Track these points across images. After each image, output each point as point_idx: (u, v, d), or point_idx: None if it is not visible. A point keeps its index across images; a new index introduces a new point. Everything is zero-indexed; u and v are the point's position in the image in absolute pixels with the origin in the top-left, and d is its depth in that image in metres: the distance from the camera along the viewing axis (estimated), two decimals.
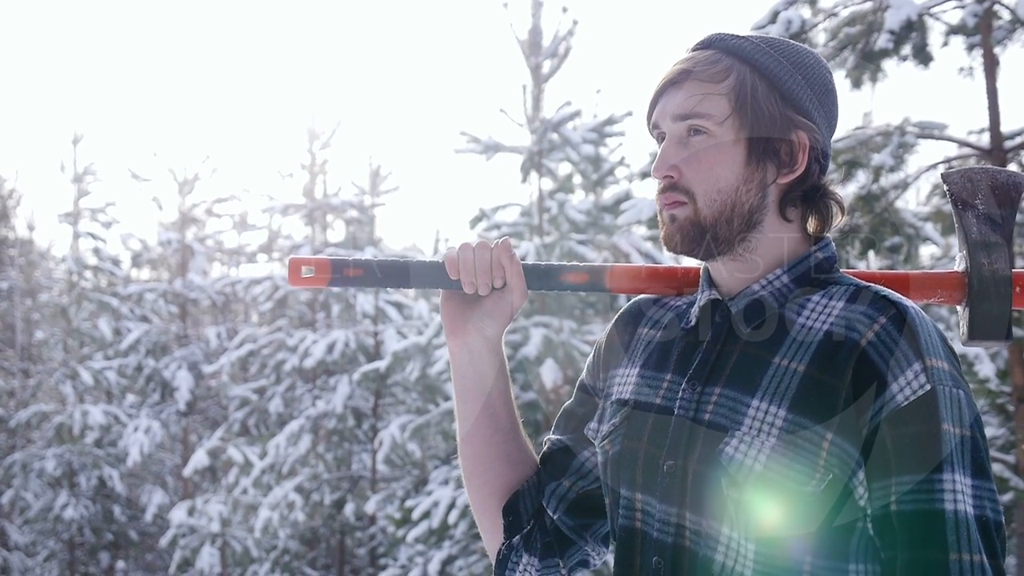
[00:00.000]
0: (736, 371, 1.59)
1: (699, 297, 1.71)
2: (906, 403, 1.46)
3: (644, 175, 8.20)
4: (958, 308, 1.75)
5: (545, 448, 1.94)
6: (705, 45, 1.66)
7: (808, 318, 1.58)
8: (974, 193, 1.71)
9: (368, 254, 13.72)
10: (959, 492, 1.44)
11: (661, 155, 1.63)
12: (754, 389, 1.55)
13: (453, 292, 1.84)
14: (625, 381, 1.77)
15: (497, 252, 1.77)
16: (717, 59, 1.62)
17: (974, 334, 1.70)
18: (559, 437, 1.93)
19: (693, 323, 1.71)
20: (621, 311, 1.89)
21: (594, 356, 1.91)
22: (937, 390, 1.46)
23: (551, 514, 1.89)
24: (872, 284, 1.60)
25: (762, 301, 1.63)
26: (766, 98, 1.60)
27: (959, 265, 1.74)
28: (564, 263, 1.83)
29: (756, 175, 1.60)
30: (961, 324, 1.73)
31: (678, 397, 1.64)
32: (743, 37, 1.65)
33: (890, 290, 1.58)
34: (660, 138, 1.67)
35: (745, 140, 1.60)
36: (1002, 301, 1.69)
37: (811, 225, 1.67)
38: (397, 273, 1.82)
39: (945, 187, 1.73)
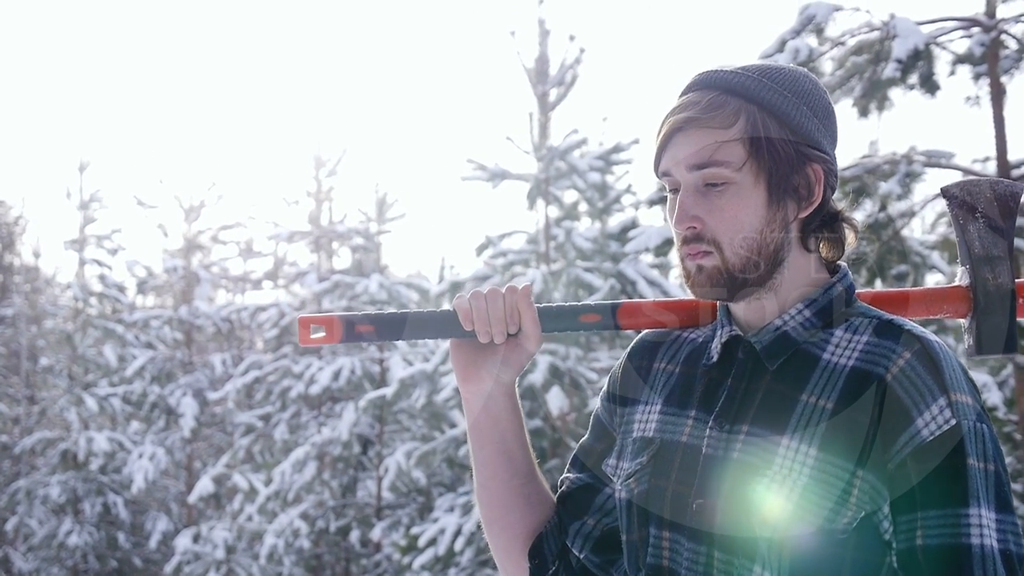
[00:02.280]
0: (763, 409, 1.57)
1: (719, 332, 1.69)
2: (931, 438, 1.46)
3: (651, 203, 8.18)
4: (962, 322, 1.75)
5: (563, 487, 1.92)
6: (704, 85, 1.63)
7: (833, 354, 1.57)
8: (975, 205, 1.71)
9: (374, 282, 13.75)
10: (984, 527, 1.44)
11: (680, 206, 1.60)
12: (783, 428, 1.54)
13: (464, 340, 1.81)
14: (647, 418, 1.74)
15: (517, 298, 1.75)
16: (722, 102, 1.59)
17: (982, 349, 1.70)
18: (578, 475, 1.90)
19: (715, 359, 1.68)
20: (633, 344, 1.87)
21: (609, 390, 1.88)
22: (962, 425, 1.46)
23: (577, 553, 1.87)
24: (895, 317, 1.59)
25: (785, 336, 1.61)
26: (779, 136, 1.58)
27: (961, 279, 1.74)
28: (576, 304, 1.82)
29: (778, 214, 1.59)
30: (967, 338, 1.73)
31: (705, 435, 1.61)
32: (741, 73, 1.61)
33: (914, 323, 1.58)
34: (673, 186, 1.63)
35: (765, 183, 1.58)
36: (1007, 314, 1.69)
37: (824, 250, 1.66)
38: (407, 326, 1.80)
39: (946, 201, 1.73)
